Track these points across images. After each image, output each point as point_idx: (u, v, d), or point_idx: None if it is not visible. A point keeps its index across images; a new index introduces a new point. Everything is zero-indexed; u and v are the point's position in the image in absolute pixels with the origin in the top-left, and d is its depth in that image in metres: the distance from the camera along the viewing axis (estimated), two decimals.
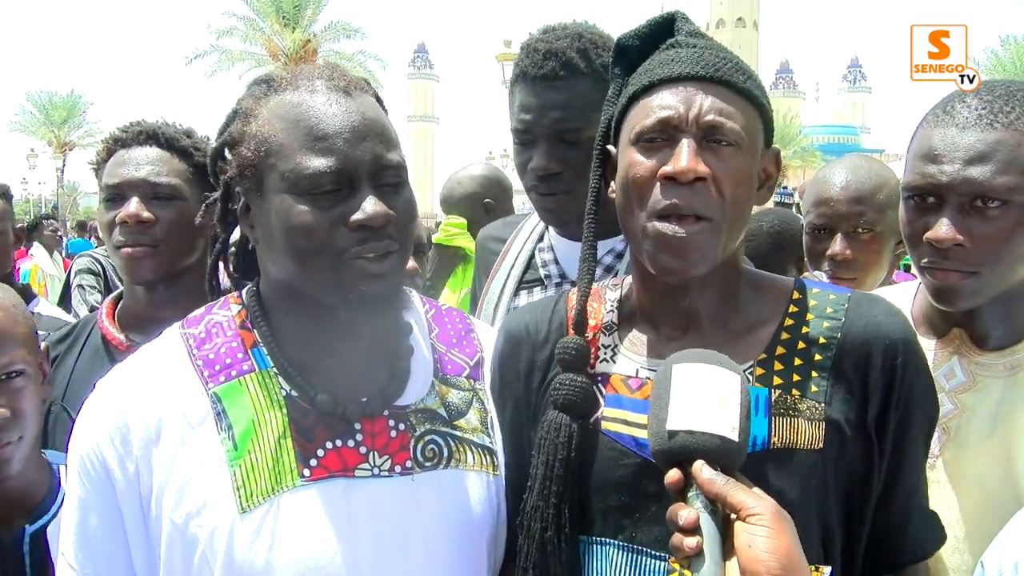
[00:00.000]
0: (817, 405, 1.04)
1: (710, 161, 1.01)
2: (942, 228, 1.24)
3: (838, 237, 1.91)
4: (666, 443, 0.91)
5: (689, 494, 0.89)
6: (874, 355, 1.05)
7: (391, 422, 1.11)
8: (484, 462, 1.16)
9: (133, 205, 1.56)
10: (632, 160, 1.05)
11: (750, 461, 1.00)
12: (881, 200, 1.88)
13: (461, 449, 1.15)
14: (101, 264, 3.37)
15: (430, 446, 1.13)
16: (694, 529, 0.86)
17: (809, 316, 1.09)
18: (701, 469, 0.88)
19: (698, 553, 0.85)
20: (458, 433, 1.16)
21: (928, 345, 1.37)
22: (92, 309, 2.90)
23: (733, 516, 0.87)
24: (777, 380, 1.06)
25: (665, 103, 1.03)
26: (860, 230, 1.89)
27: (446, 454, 1.13)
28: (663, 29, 1.14)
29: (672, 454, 0.91)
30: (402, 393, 1.14)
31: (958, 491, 1.29)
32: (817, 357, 1.06)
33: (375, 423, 1.10)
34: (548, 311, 1.22)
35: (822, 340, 1.07)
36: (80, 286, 3.30)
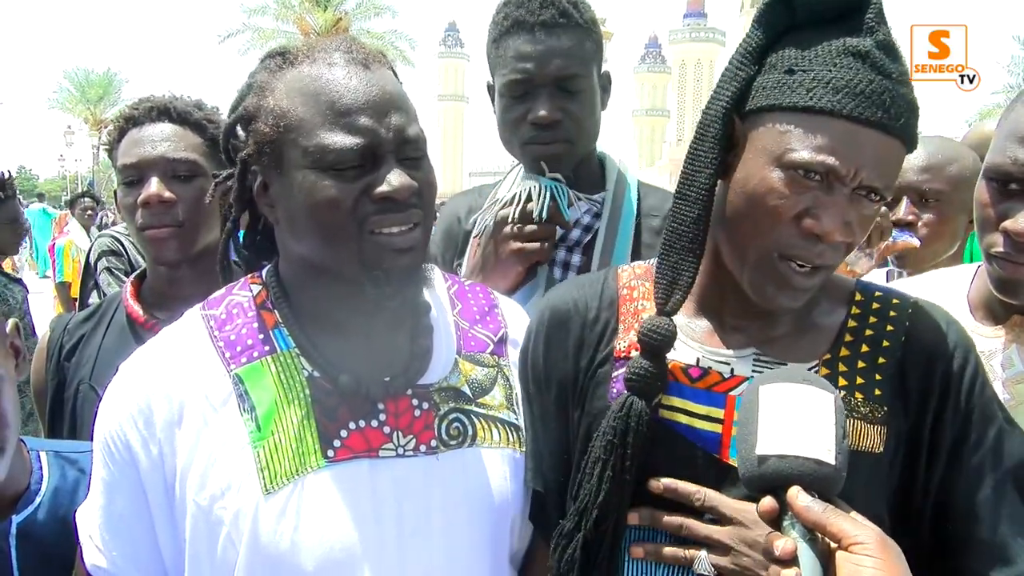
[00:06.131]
0: (879, 408, 1.01)
1: (852, 216, 0.94)
2: (1023, 220, 1.17)
3: (904, 202, 1.90)
4: (756, 469, 0.86)
5: (785, 522, 0.84)
6: (935, 362, 1.01)
7: (415, 401, 1.10)
8: (510, 439, 1.15)
9: (154, 185, 1.53)
10: (772, 186, 0.94)
11: None
12: (952, 173, 1.86)
13: (486, 426, 1.13)
14: (121, 243, 3.37)
15: (455, 424, 1.11)
16: (791, 560, 0.81)
17: (872, 319, 1.05)
18: (797, 496, 0.83)
19: None
20: (482, 410, 1.14)
21: (985, 332, 1.33)
22: None
23: (834, 545, 0.81)
24: (842, 381, 1.01)
25: (837, 148, 0.91)
26: (927, 200, 1.88)
27: (471, 432, 1.12)
28: (849, 4, 0.97)
29: (764, 480, 0.85)
30: (425, 372, 1.13)
31: None
32: (881, 360, 1.02)
33: (398, 402, 1.09)
34: (597, 287, 1.16)
35: (886, 343, 1.03)
36: (108, 269, 3.30)
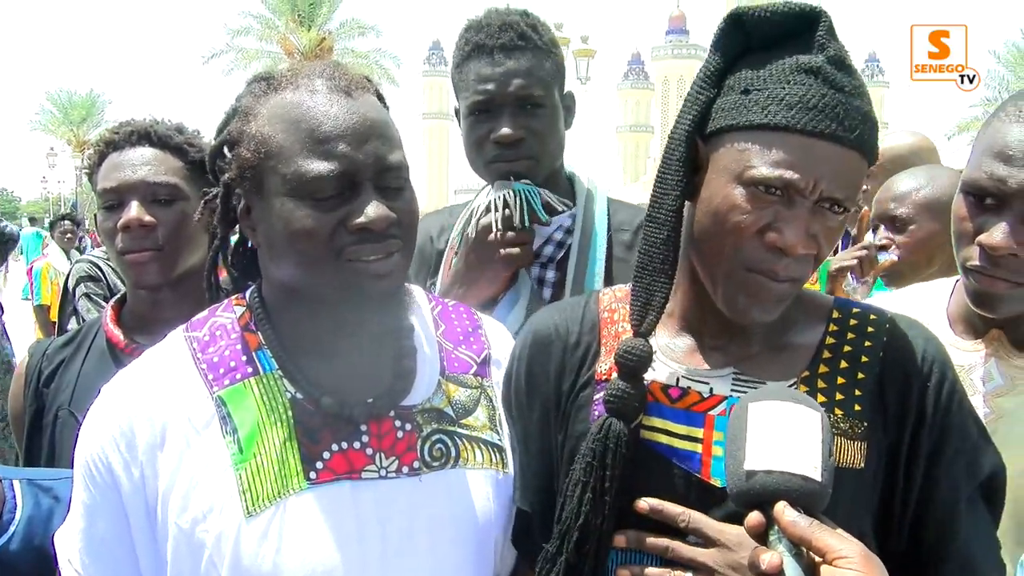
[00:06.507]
0: (859, 424, 1.01)
1: (816, 228, 0.96)
2: (998, 234, 1.18)
3: (880, 228, 2.12)
4: (744, 484, 0.87)
5: (771, 537, 0.85)
6: (912, 377, 1.02)
7: (397, 423, 1.10)
8: (493, 460, 1.15)
9: (134, 210, 1.53)
10: (735, 203, 0.96)
11: None
12: (918, 201, 2.04)
13: (469, 448, 1.13)
14: (100, 268, 3.36)
15: (437, 446, 1.11)
16: (778, 574, 0.82)
17: (850, 335, 1.06)
18: (783, 511, 0.84)
19: None
20: (465, 432, 1.14)
21: (965, 346, 1.34)
22: None
23: (819, 560, 0.83)
24: (821, 398, 1.01)
25: (794, 162, 0.93)
26: (897, 225, 2.07)
27: (454, 453, 1.12)
28: (801, 24, 0.99)
29: (751, 495, 0.87)
30: (408, 393, 1.12)
31: None
32: (860, 376, 1.03)
33: (381, 424, 1.09)
34: (578, 311, 1.17)
35: (864, 359, 1.04)
36: (87, 295, 3.29)
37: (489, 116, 1.65)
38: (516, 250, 1.64)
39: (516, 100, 1.62)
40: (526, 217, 1.64)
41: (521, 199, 1.64)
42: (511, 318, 1.61)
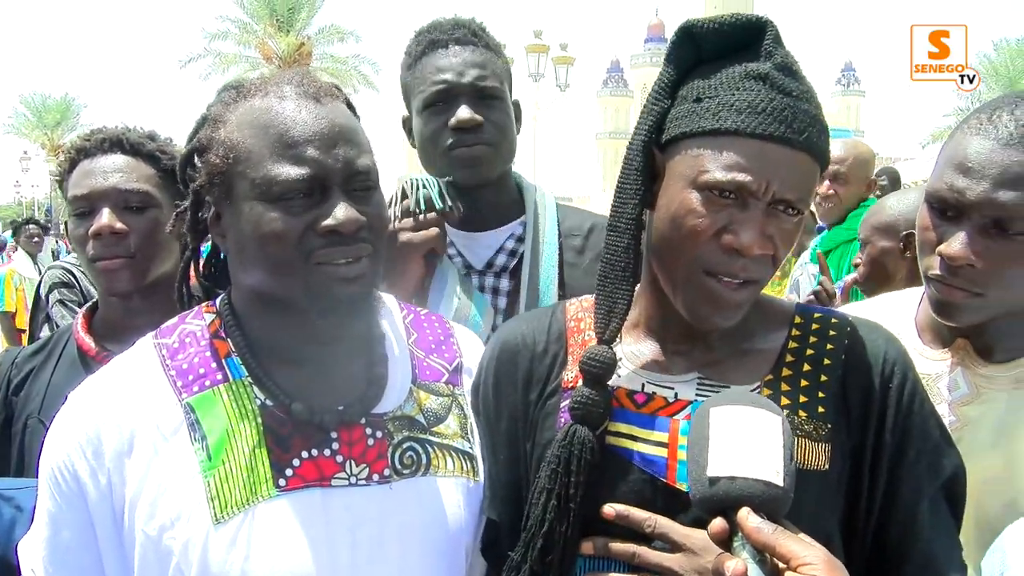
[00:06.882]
0: (823, 426, 1.03)
1: (771, 230, 0.98)
2: (956, 245, 1.20)
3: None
4: (707, 490, 0.87)
5: (735, 543, 0.85)
6: (874, 379, 1.05)
7: (368, 430, 1.10)
8: (464, 468, 1.15)
9: (105, 217, 1.53)
10: (691, 207, 0.98)
11: None
12: (872, 223, 2.41)
13: (440, 455, 1.14)
14: (73, 274, 3.33)
15: (408, 453, 1.11)
16: None
17: (812, 339, 1.09)
18: (747, 517, 0.84)
19: None
20: (436, 439, 1.14)
21: (932, 355, 1.35)
22: None
23: (783, 566, 0.83)
24: (784, 400, 1.03)
25: (746, 165, 0.95)
26: (862, 245, 2.46)
27: (424, 461, 1.12)
28: (749, 35, 1.03)
29: (714, 502, 0.87)
30: (379, 400, 1.13)
31: None
32: (823, 378, 1.06)
33: (352, 431, 1.09)
34: (545, 321, 1.19)
35: (827, 362, 1.07)
36: (61, 301, 3.26)
37: (446, 107, 1.62)
38: (414, 235, 1.59)
39: (473, 90, 1.62)
40: (422, 202, 1.60)
41: (417, 186, 1.61)
42: (443, 307, 1.60)
